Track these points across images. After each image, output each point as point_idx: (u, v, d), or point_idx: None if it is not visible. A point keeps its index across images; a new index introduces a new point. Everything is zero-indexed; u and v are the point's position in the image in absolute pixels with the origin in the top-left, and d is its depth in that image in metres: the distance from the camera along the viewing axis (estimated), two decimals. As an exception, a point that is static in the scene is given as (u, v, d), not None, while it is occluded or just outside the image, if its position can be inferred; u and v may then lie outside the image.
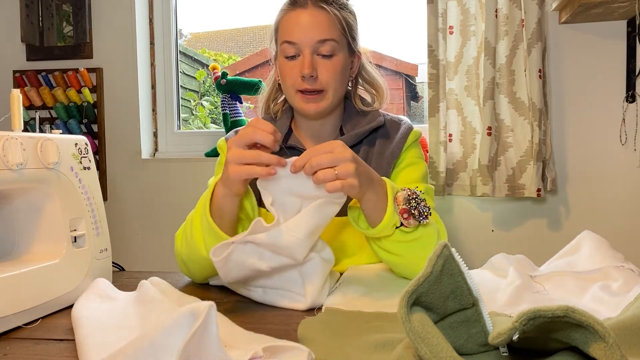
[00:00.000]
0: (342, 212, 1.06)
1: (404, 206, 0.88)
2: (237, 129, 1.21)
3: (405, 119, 1.19)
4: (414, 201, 0.89)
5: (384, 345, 0.63)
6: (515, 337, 0.48)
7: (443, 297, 0.55)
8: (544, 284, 0.83)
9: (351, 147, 1.10)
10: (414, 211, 0.88)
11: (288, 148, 1.11)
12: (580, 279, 0.82)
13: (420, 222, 0.90)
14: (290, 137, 1.14)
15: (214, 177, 1.16)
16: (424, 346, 0.49)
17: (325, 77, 1.04)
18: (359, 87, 1.19)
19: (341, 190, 0.80)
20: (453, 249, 0.56)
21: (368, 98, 1.19)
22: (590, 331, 0.45)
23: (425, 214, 0.89)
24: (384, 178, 0.90)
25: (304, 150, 1.11)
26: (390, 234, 0.90)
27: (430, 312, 0.55)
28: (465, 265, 0.56)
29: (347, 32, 1.07)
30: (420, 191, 0.90)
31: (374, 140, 1.12)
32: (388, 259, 0.96)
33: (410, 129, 1.14)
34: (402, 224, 0.89)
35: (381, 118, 1.13)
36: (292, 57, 1.05)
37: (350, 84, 1.17)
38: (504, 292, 0.80)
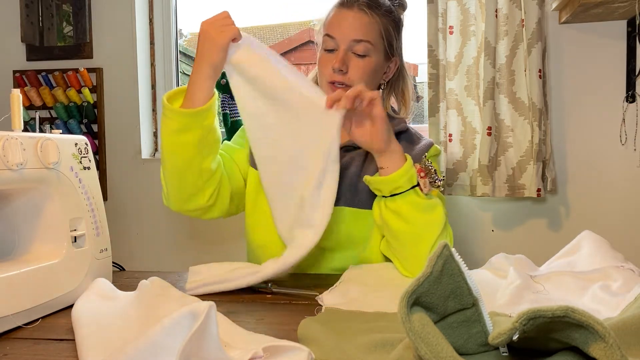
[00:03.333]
0: (351, 203, 1.09)
1: (420, 166, 0.99)
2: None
3: (427, 138, 1.24)
4: (432, 173, 0.99)
5: (384, 345, 0.63)
6: (515, 337, 0.48)
7: (443, 297, 0.55)
8: (544, 284, 0.83)
9: None
10: (430, 173, 0.99)
11: None
12: (580, 279, 0.82)
13: (434, 184, 0.98)
14: None
15: (232, 139, 1.25)
16: (424, 346, 0.49)
17: (354, 74, 1.11)
18: (392, 94, 1.25)
19: (350, 100, 0.95)
20: (453, 249, 0.56)
21: (394, 105, 1.26)
22: (590, 331, 0.45)
23: (438, 180, 0.99)
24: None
25: None
26: (406, 188, 0.97)
27: (430, 312, 0.55)
28: (465, 265, 0.56)
29: (384, 38, 1.13)
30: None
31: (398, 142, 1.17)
32: (396, 226, 1.00)
33: (432, 143, 1.20)
34: (418, 184, 0.98)
35: (405, 125, 1.19)
36: (331, 51, 1.13)
37: (382, 88, 1.23)
38: (504, 292, 0.81)
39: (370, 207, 1.07)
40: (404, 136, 1.18)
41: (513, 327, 0.47)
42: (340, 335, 0.68)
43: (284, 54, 2.60)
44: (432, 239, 0.98)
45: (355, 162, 1.12)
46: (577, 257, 0.89)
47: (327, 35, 1.12)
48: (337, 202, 1.08)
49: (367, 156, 1.13)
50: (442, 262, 0.55)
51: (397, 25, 1.17)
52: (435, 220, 0.99)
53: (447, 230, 1.02)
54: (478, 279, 0.89)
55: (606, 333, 0.44)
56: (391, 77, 1.21)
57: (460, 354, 0.55)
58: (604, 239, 0.91)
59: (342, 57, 1.10)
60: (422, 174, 0.98)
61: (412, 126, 1.26)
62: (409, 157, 1.00)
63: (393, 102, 1.26)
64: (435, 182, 1.00)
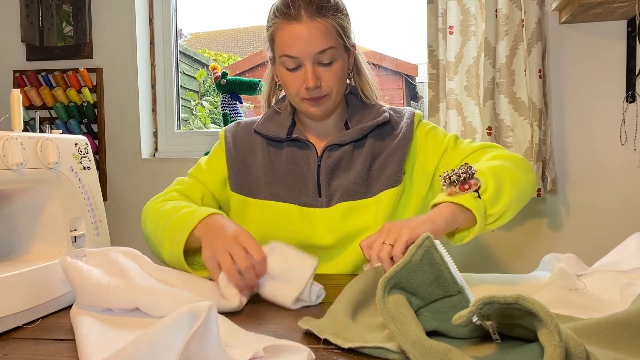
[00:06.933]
0: (344, 198, 1.09)
1: (453, 188, 0.92)
2: (239, 120, 1.24)
3: (406, 108, 1.21)
4: (455, 176, 0.92)
5: (383, 327, 0.66)
6: (475, 320, 0.52)
7: (426, 284, 0.61)
8: (585, 282, 0.85)
9: (357, 140, 1.13)
10: (464, 179, 0.91)
11: (292, 140, 1.14)
12: (621, 277, 0.84)
13: (468, 177, 0.92)
14: (294, 129, 1.16)
15: (206, 158, 1.20)
16: (393, 325, 0.55)
17: (327, 83, 1.07)
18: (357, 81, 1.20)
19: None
20: (437, 241, 0.61)
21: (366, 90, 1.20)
22: (538, 318, 0.48)
23: (468, 172, 0.92)
24: (437, 202, 0.93)
25: (307, 141, 1.14)
26: (480, 209, 0.92)
27: (415, 297, 0.61)
28: (449, 256, 0.61)
29: (342, 36, 1.08)
30: (447, 172, 0.94)
31: (382, 134, 1.14)
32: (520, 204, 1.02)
33: (413, 112, 1.17)
34: (476, 192, 0.92)
35: (386, 113, 1.15)
36: (294, 69, 1.07)
37: (352, 78, 1.19)
38: (546, 291, 0.82)
39: (364, 196, 1.07)
40: (388, 127, 1.15)
41: (470, 311, 0.52)
42: (355, 314, 0.71)
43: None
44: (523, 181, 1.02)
45: (343, 160, 1.11)
46: (623, 256, 0.91)
47: (287, 56, 1.05)
48: (330, 203, 1.09)
49: (354, 152, 1.12)
50: (422, 252, 0.60)
51: (347, 16, 1.11)
52: (511, 161, 1.02)
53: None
54: (526, 279, 0.94)
55: (548, 319, 0.47)
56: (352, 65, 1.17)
57: (452, 338, 0.62)
58: None
59: (312, 75, 1.04)
60: (466, 186, 0.91)
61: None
62: (459, 200, 0.91)
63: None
64: (465, 176, 0.91)
